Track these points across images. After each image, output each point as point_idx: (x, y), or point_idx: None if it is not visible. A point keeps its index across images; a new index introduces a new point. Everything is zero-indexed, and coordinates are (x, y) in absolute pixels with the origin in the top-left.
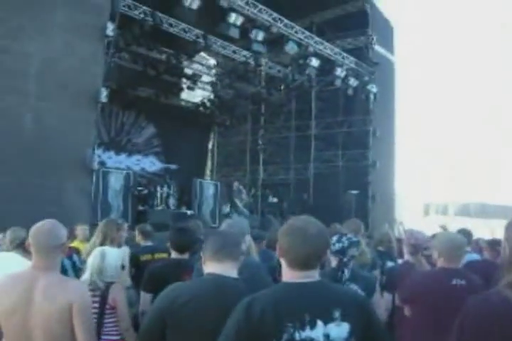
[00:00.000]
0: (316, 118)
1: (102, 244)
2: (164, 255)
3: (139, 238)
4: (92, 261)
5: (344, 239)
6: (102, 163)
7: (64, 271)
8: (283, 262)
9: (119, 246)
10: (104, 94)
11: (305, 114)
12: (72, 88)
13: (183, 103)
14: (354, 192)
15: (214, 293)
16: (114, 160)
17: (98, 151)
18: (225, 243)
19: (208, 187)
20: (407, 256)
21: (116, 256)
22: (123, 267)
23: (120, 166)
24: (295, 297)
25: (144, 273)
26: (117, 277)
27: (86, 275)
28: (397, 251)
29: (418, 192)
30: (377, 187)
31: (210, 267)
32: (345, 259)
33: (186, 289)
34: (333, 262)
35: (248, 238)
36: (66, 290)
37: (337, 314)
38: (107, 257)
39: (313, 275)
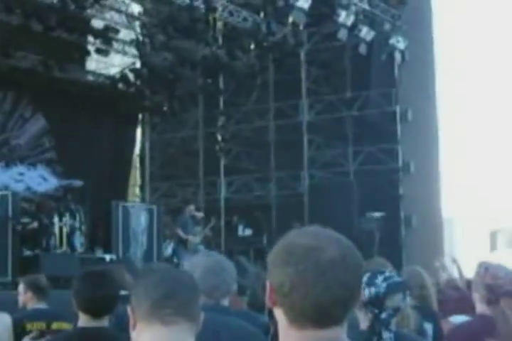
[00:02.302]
0: (309, 96)
1: None
2: (66, 325)
3: (26, 297)
4: None
5: (380, 279)
6: None
7: None
8: (280, 315)
9: None
10: None
11: (291, 90)
12: None
13: (89, 77)
14: (377, 214)
15: None
16: None
17: None
18: (176, 287)
19: (138, 214)
20: (480, 307)
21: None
22: None
23: None
24: None
25: None
26: None
27: None
28: (439, 305)
29: (480, 214)
30: (414, 205)
31: (148, 332)
32: (383, 315)
33: None
34: (363, 320)
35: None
36: None
37: None
38: None
39: (339, 337)
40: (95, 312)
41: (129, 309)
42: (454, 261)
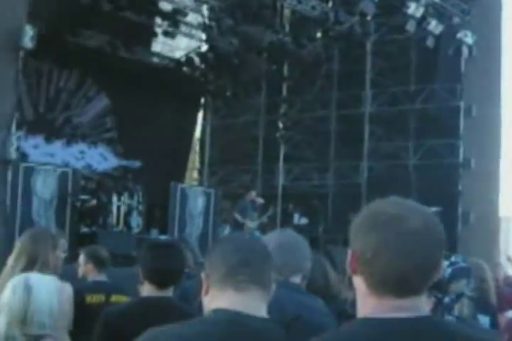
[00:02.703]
0: (373, 87)
1: (25, 269)
2: (125, 298)
3: (86, 268)
4: (8, 301)
5: (445, 264)
6: (24, 156)
7: None
8: (360, 284)
9: (54, 273)
10: (29, 36)
11: (355, 80)
12: None
13: (155, 59)
14: (434, 209)
15: None
16: (42, 150)
17: (17, 136)
18: (250, 256)
19: (195, 197)
20: None
21: (52, 290)
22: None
23: (53, 161)
24: None
25: (93, 323)
26: (52, 327)
27: None
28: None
29: None
30: (472, 202)
31: (221, 298)
32: (446, 300)
33: (179, 338)
34: (426, 304)
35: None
36: None
37: None
38: (34, 292)
39: (419, 306)
40: (161, 283)
41: (202, 275)
42: (510, 259)
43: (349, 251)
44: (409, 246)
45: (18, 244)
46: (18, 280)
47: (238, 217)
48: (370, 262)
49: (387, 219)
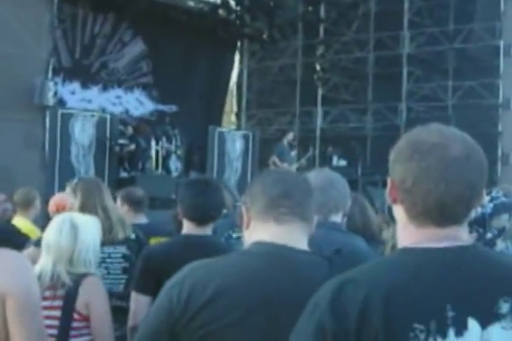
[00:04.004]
0: (411, 28)
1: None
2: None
3: (123, 210)
4: (55, 240)
5: (486, 199)
6: (61, 102)
7: None
8: (400, 213)
9: None
10: None
11: (392, 20)
12: None
13: (190, 2)
14: None
15: (271, 277)
16: (79, 96)
17: (54, 82)
18: (291, 188)
19: (234, 140)
20: None
21: (95, 229)
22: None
23: (90, 106)
24: (427, 275)
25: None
26: (93, 266)
27: (41, 264)
28: None
29: None
30: None
31: (261, 231)
32: (488, 235)
33: (219, 271)
34: (467, 239)
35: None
36: None
37: (506, 307)
38: (80, 232)
39: (461, 236)
40: (200, 219)
41: (243, 208)
42: None
43: (388, 180)
44: (450, 174)
45: (75, 186)
46: (62, 220)
47: (276, 160)
48: (411, 191)
49: (427, 147)
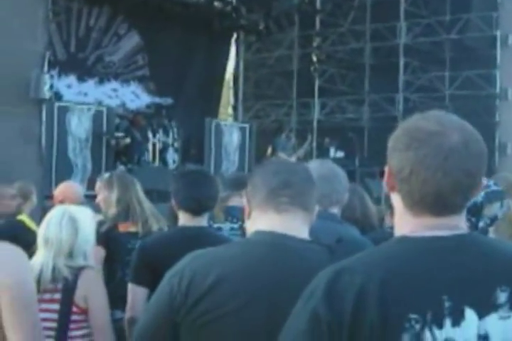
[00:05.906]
0: (407, 18)
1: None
2: None
3: None
4: (55, 234)
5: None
6: (57, 95)
7: None
8: (398, 201)
9: None
10: None
11: (388, 12)
12: None
13: None
14: None
15: (271, 265)
16: (76, 89)
17: (50, 75)
18: (291, 178)
19: (230, 132)
20: None
21: (92, 221)
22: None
23: (86, 99)
24: (424, 264)
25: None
26: (90, 258)
27: (38, 256)
28: None
29: None
30: (510, 133)
31: (262, 221)
32: (481, 224)
33: (219, 259)
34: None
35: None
36: None
37: (504, 296)
38: (80, 225)
39: (458, 225)
40: (195, 209)
41: (244, 198)
42: None
43: (386, 169)
44: (448, 163)
45: (112, 179)
46: (59, 213)
47: (282, 154)
48: (408, 179)
49: (425, 136)
